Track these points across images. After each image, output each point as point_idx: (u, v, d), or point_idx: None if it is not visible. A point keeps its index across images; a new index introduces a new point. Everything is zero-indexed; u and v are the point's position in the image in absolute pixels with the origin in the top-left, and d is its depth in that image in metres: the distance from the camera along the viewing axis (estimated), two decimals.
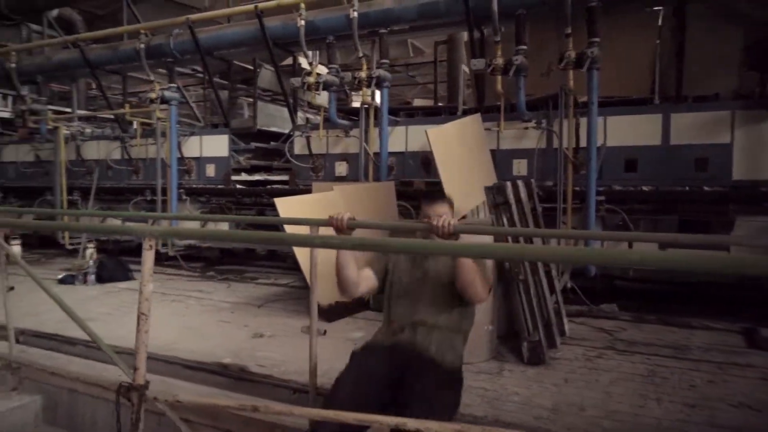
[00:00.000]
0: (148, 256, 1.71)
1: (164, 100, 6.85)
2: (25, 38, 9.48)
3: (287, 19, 5.97)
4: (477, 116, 5.25)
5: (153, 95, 6.83)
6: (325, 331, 2.80)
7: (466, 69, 5.89)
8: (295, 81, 6.00)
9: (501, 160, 5.49)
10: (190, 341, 3.92)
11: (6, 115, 9.26)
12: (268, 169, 7.28)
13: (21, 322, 4.30)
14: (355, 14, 5.50)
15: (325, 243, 2.13)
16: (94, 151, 8.19)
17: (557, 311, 3.90)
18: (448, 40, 7.21)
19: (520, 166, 5.48)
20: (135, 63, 7.17)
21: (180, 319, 4.60)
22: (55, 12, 9.11)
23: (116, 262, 6.57)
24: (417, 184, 5.97)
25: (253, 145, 7.14)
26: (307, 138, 6.39)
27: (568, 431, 2.50)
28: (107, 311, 4.85)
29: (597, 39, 4.69)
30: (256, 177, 7.15)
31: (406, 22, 5.54)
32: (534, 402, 2.84)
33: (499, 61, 4.97)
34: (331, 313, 4.53)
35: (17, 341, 4.19)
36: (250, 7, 6.05)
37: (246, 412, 1.96)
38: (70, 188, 8.12)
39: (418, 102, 9.08)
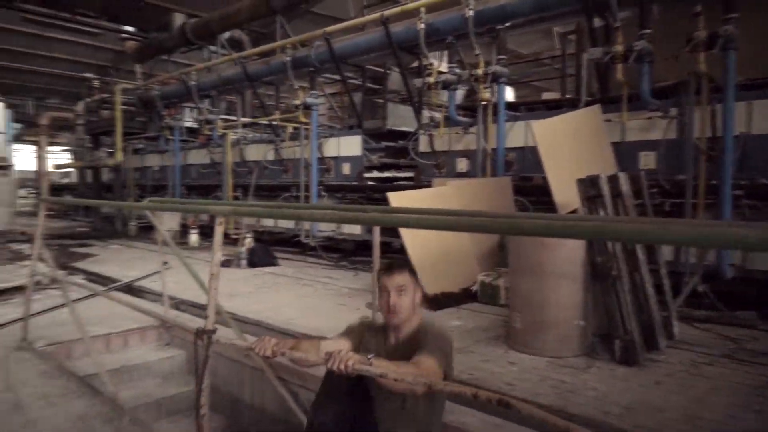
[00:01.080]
0: (219, 230, 2.11)
1: (307, 106, 7.64)
2: (206, 59, 11.19)
3: (410, 23, 6.28)
4: (594, 108, 5.04)
5: (297, 102, 7.66)
6: None
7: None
8: (417, 81, 6.30)
9: (626, 152, 5.18)
10: (307, 318, 4.43)
11: (190, 124, 11.00)
12: (397, 167, 7.69)
13: (184, 294, 5.22)
14: (471, 13, 5.61)
15: (375, 220, 2.36)
16: (253, 153, 9.38)
17: (666, 312, 3.64)
18: (576, 30, 6.93)
19: (647, 159, 5.12)
20: (284, 74, 8.08)
21: (304, 300, 5.18)
22: (226, 34, 10.57)
23: (265, 249, 7.48)
24: (536, 179, 5.88)
25: (384, 144, 7.61)
26: (430, 136, 6.65)
27: (632, 429, 2.42)
28: (249, 290, 5.63)
29: (735, 15, 4.23)
30: (386, 174, 7.60)
31: (521, 17, 5.51)
32: (610, 399, 2.76)
33: (619, 48, 4.72)
34: (435, 303, 4.74)
35: (178, 309, 5.16)
36: (377, 15, 6.49)
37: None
38: (235, 186, 9.41)
39: (547, 95, 8.80)
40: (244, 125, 9.72)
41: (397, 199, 5.12)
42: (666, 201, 4.81)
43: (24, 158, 25.54)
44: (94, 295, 4.74)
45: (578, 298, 3.43)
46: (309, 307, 4.87)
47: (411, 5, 6.11)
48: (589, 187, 3.46)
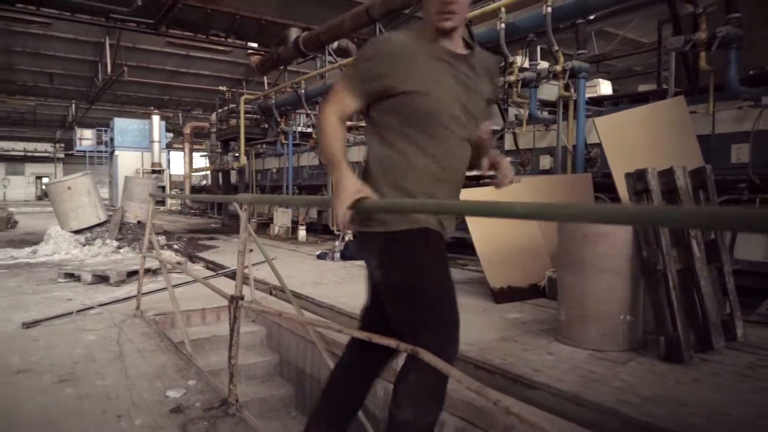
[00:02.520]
0: (243, 215, 2.54)
1: None
2: (319, 68, 12.10)
3: (492, 24, 6.40)
4: (677, 99, 4.80)
5: None
6: None
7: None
8: (499, 80, 6.39)
9: (717, 145, 4.87)
10: None
11: (302, 129, 11.97)
12: None
13: (276, 281, 5.88)
14: (549, 10, 5.61)
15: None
16: (355, 154, 9.98)
17: (729, 312, 3.46)
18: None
19: (740, 152, 4.77)
20: None
21: None
22: (335, 44, 11.35)
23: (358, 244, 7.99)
24: None
25: None
26: (513, 134, 6.69)
27: (639, 417, 2.44)
28: (334, 279, 6.15)
29: None
30: (474, 172, 7.71)
31: (603, 8, 5.40)
32: (634, 390, 2.77)
33: (702, 35, 4.48)
34: (500, 296, 4.86)
35: (271, 293, 5.82)
36: None
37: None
38: None
39: (644, 88, 8.27)
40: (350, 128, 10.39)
41: (466, 195, 5.30)
42: (756, 197, 4.47)
43: (176, 163, 29.17)
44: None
45: (623, 293, 3.40)
46: None
47: (490, 6, 6.23)
48: (636, 181, 3.41)
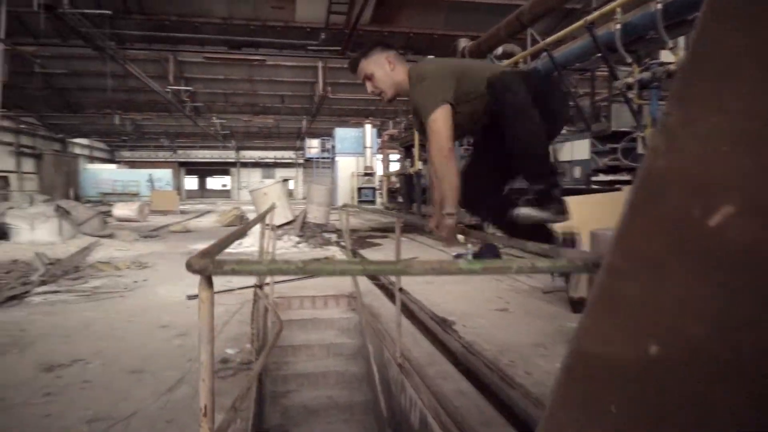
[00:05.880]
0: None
1: None
2: None
3: (611, 26, 6.21)
4: None
5: None
6: None
7: None
8: (619, 83, 6.18)
9: None
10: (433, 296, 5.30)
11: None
12: (619, 170, 7.43)
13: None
14: (659, 6, 5.31)
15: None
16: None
17: None
18: None
19: None
20: None
21: (456, 289, 5.98)
22: (499, 50, 11.66)
23: (492, 247, 8.34)
24: None
25: (608, 146, 7.46)
26: (641, 137, 6.35)
27: None
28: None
29: None
30: (609, 177, 7.44)
31: None
32: None
33: None
34: (578, 304, 4.91)
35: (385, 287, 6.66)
36: (581, 21, 6.60)
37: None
38: None
39: None
40: None
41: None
42: None
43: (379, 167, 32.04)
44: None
45: None
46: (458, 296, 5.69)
47: (607, 7, 6.07)
48: None
